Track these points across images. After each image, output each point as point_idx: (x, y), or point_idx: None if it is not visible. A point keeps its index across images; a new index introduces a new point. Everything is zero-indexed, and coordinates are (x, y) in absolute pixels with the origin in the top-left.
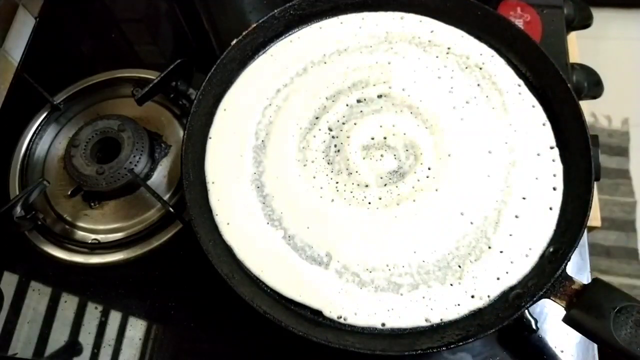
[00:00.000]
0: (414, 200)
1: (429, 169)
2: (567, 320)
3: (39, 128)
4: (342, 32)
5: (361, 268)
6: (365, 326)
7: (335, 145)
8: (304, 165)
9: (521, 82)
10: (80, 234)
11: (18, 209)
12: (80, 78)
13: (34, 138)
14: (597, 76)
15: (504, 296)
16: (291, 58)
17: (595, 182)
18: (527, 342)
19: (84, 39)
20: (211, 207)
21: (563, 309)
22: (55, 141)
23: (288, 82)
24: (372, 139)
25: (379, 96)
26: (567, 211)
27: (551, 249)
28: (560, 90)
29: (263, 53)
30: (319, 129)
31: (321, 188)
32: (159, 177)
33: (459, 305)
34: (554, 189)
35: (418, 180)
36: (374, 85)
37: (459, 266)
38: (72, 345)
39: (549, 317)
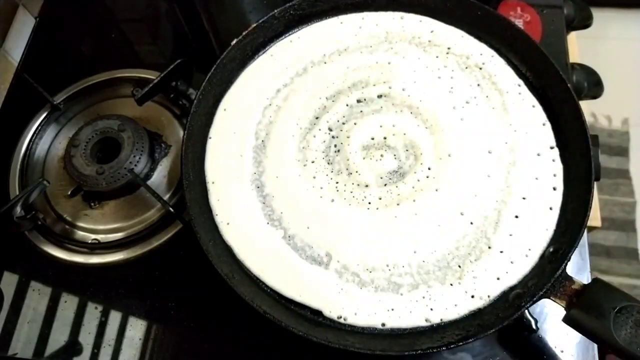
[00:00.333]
0: (414, 200)
1: (429, 169)
2: (567, 320)
3: (39, 128)
4: (342, 32)
5: (361, 268)
6: (365, 326)
7: (335, 145)
8: (304, 165)
9: (521, 82)
10: (80, 234)
11: (18, 209)
12: (80, 78)
13: (34, 138)
14: (597, 76)
15: (504, 296)
16: (291, 58)
17: (595, 182)
18: (527, 342)
19: (84, 39)
20: (211, 207)
21: (563, 309)
22: (55, 141)
23: (288, 82)
24: (372, 139)
25: (379, 96)
26: (567, 211)
27: (551, 249)
28: (560, 90)
29: (263, 53)
30: (319, 129)
31: (321, 188)
32: (159, 177)
33: (459, 305)
34: (554, 189)
35: (418, 180)
36: (374, 85)
37: (459, 266)
38: (72, 345)
39: (549, 317)
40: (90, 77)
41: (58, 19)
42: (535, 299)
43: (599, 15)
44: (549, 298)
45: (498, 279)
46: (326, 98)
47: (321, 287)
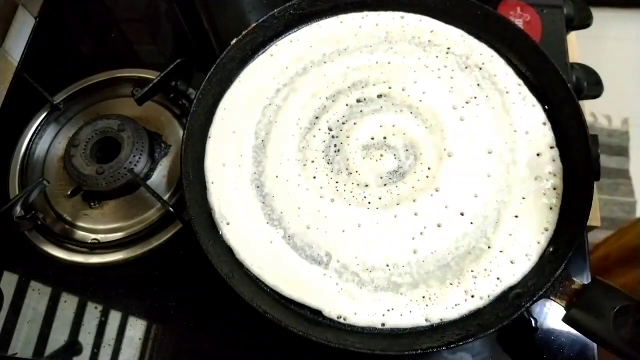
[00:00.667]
0: (414, 200)
1: (429, 169)
2: (567, 320)
3: (39, 128)
4: (342, 32)
5: (361, 268)
6: (365, 326)
7: (335, 145)
8: (304, 165)
9: (521, 82)
10: (80, 234)
11: (18, 209)
12: (80, 78)
13: (34, 138)
14: (597, 76)
15: (504, 296)
16: (291, 58)
17: (595, 182)
18: (527, 342)
19: (84, 39)
20: (211, 207)
21: (563, 309)
22: (55, 141)
23: (288, 82)
24: (372, 139)
25: (379, 96)
26: (567, 211)
27: (551, 249)
28: (560, 90)
29: (263, 53)
30: (319, 129)
31: (321, 188)
32: (159, 177)
33: (459, 305)
34: (554, 188)
35: (418, 180)
36: (374, 85)
37: (459, 266)
38: (72, 345)
39: (549, 317)
40: (90, 77)
41: (58, 19)
42: (535, 299)
43: (599, 15)
44: (549, 298)
45: (498, 279)
46: (326, 98)
47: (321, 287)
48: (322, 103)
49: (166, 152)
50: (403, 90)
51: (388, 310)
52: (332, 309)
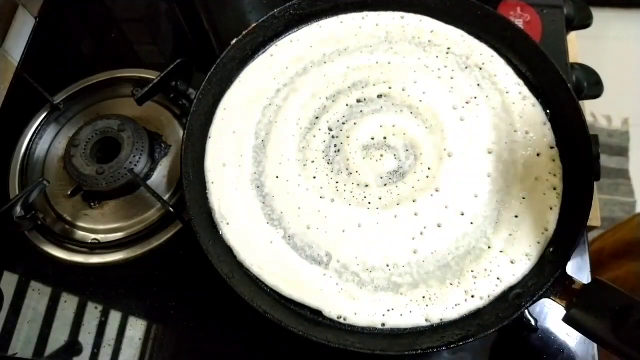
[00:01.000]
0: (414, 201)
1: (429, 169)
2: (567, 320)
3: (39, 128)
4: (342, 31)
5: (361, 268)
6: (365, 326)
7: (335, 145)
8: (304, 165)
9: (521, 82)
10: (80, 234)
11: (18, 209)
12: (80, 78)
13: (34, 138)
14: (597, 76)
15: (504, 296)
16: (291, 58)
17: (595, 182)
18: (527, 342)
19: (84, 39)
20: (211, 207)
21: (563, 309)
22: (55, 141)
23: (288, 82)
24: (372, 139)
25: (379, 96)
26: (567, 211)
27: (551, 249)
28: (560, 90)
29: (263, 53)
30: (319, 129)
31: (321, 188)
32: (159, 177)
33: (459, 305)
34: (554, 188)
35: (418, 180)
36: (374, 85)
37: (459, 266)
38: (72, 345)
39: (549, 317)
40: (90, 77)
41: (58, 19)
42: (535, 299)
43: (599, 15)
44: (549, 298)
45: (498, 279)
46: (326, 98)
47: (321, 287)
48: (322, 103)
49: (166, 152)
50: (403, 90)
51: (388, 310)
52: (332, 309)
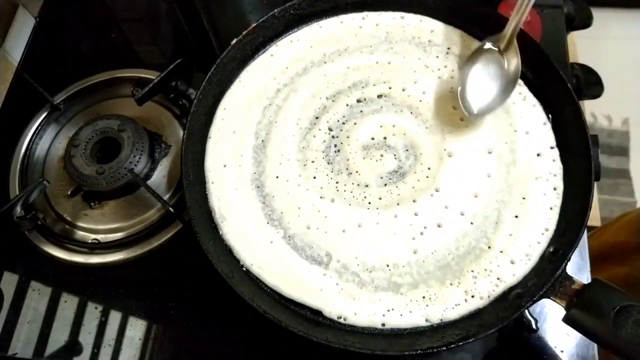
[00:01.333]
0: (414, 200)
1: (429, 169)
2: (567, 320)
3: (39, 128)
4: (342, 31)
5: (361, 268)
6: (365, 326)
7: (335, 145)
8: (304, 165)
9: (521, 82)
10: (80, 234)
11: (18, 209)
12: (80, 78)
13: (34, 138)
14: (597, 76)
15: (504, 296)
16: (291, 58)
17: (595, 182)
18: (527, 342)
19: (84, 39)
20: (211, 207)
21: (563, 309)
22: (55, 141)
23: (288, 81)
24: (372, 139)
25: (379, 96)
26: (567, 211)
27: (551, 249)
28: (560, 90)
29: (263, 53)
30: (319, 129)
31: (321, 188)
32: (159, 177)
33: (459, 305)
34: (554, 189)
35: (418, 180)
36: (374, 85)
37: (459, 266)
38: (72, 345)
39: (549, 317)
40: (90, 77)
41: (58, 19)
42: (535, 299)
43: (599, 15)
44: (549, 298)
45: (498, 279)
46: (326, 98)
47: (321, 287)
48: (322, 103)
49: (166, 152)
50: (403, 90)
51: (388, 310)
52: (332, 308)
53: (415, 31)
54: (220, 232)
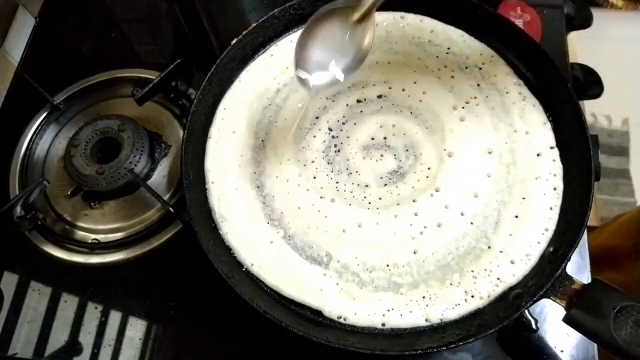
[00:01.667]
0: (414, 200)
1: (429, 169)
2: (567, 320)
3: (39, 128)
4: None
5: (361, 268)
6: (365, 326)
7: (335, 145)
8: (304, 165)
9: (521, 82)
10: (80, 234)
11: (18, 208)
12: (80, 78)
13: (34, 138)
14: (597, 76)
15: (504, 296)
16: (291, 58)
17: (595, 182)
18: (527, 342)
19: (84, 39)
20: (211, 207)
21: (563, 308)
22: (55, 141)
23: (288, 81)
24: (372, 139)
25: (379, 96)
26: (567, 211)
27: (551, 249)
28: (560, 90)
29: (263, 53)
30: (319, 129)
31: (321, 188)
32: (159, 177)
33: (458, 305)
34: (554, 189)
35: (418, 180)
36: (374, 85)
37: (459, 266)
38: (72, 345)
39: (549, 317)
40: (90, 77)
41: (58, 19)
42: (535, 298)
43: (599, 15)
44: (549, 298)
45: (498, 278)
46: (326, 98)
47: (321, 287)
48: (322, 103)
49: (166, 152)
50: (403, 90)
51: (388, 310)
52: (332, 308)
53: (415, 31)
54: (220, 232)
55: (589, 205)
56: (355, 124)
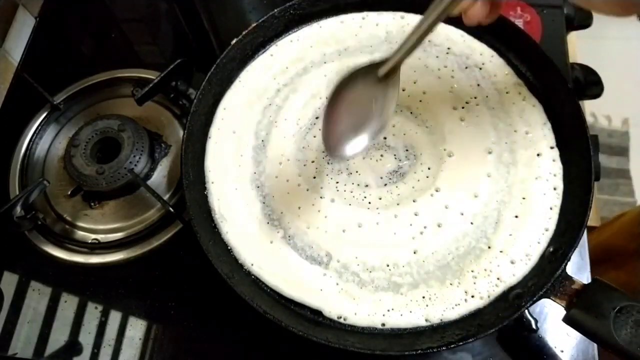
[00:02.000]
0: (414, 200)
1: (429, 169)
2: (567, 320)
3: (39, 128)
4: (342, 31)
5: (361, 268)
6: (365, 326)
7: None
8: (304, 165)
9: (521, 82)
10: (80, 234)
11: (18, 208)
12: (80, 78)
13: (34, 138)
14: (597, 76)
15: (504, 296)
16: (291, 58)
17: (595, 182)
18: (527, 342)
19: (84, 39)
20: (211, 207)
21: (563, 309)
22: (55, 141)
23: (288, 81)
24: None
25: None
26: (567, 211)
27: (551, 249)
28: (560, 90)
29: (263, 52)
30: (319, 129)
31: (321, 188)
32: (159, 177)
33: (458, 305)
34: (554, 189)
35: (418, 180)
36: None
37: (459, 266)
38: (72, 345)
39: (549, 317)
40: (90, 77)
41: (58, 19)
42: (535, 298)
43: (599, 16)
44: (549, 298)
45: (498, 278)
46: (326, 98)
47: (321, 287)
48: (322, 103)
49: (166, 152)
50: (403, 90)
51: (388, 310)
52: (332, 308)
53: None
54: (220, 232)
55: (589, 205)
56: None
